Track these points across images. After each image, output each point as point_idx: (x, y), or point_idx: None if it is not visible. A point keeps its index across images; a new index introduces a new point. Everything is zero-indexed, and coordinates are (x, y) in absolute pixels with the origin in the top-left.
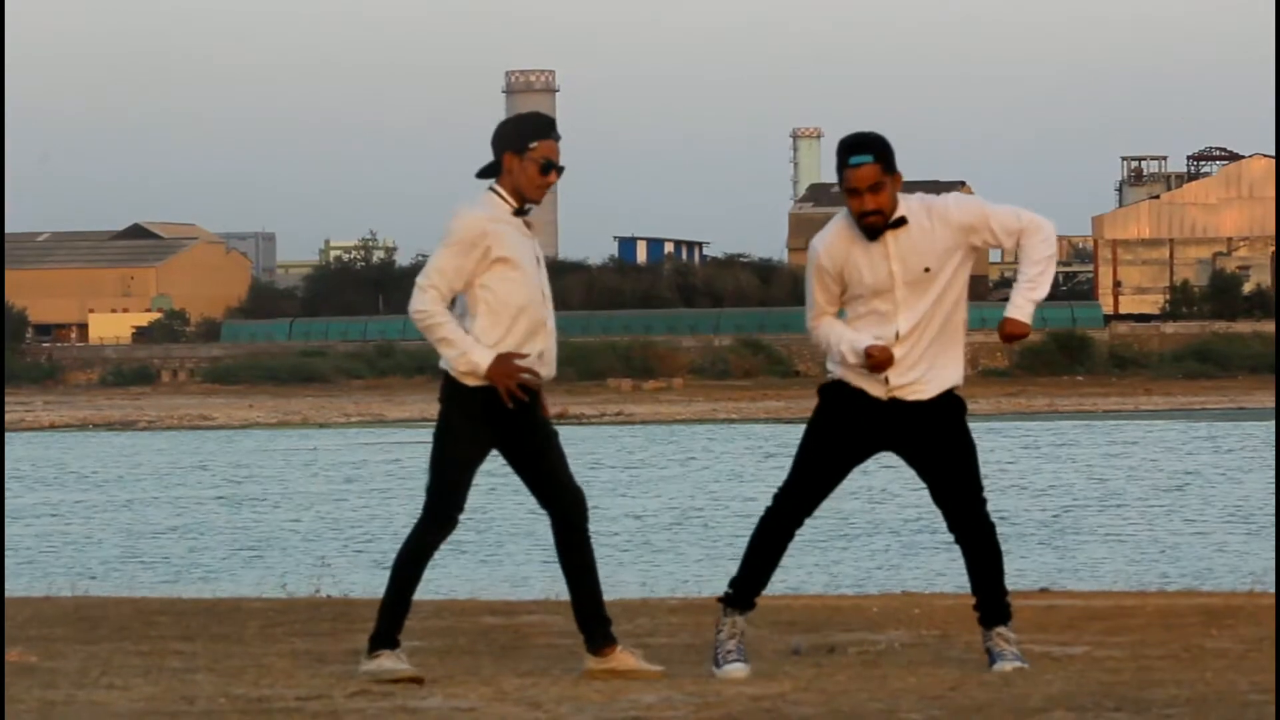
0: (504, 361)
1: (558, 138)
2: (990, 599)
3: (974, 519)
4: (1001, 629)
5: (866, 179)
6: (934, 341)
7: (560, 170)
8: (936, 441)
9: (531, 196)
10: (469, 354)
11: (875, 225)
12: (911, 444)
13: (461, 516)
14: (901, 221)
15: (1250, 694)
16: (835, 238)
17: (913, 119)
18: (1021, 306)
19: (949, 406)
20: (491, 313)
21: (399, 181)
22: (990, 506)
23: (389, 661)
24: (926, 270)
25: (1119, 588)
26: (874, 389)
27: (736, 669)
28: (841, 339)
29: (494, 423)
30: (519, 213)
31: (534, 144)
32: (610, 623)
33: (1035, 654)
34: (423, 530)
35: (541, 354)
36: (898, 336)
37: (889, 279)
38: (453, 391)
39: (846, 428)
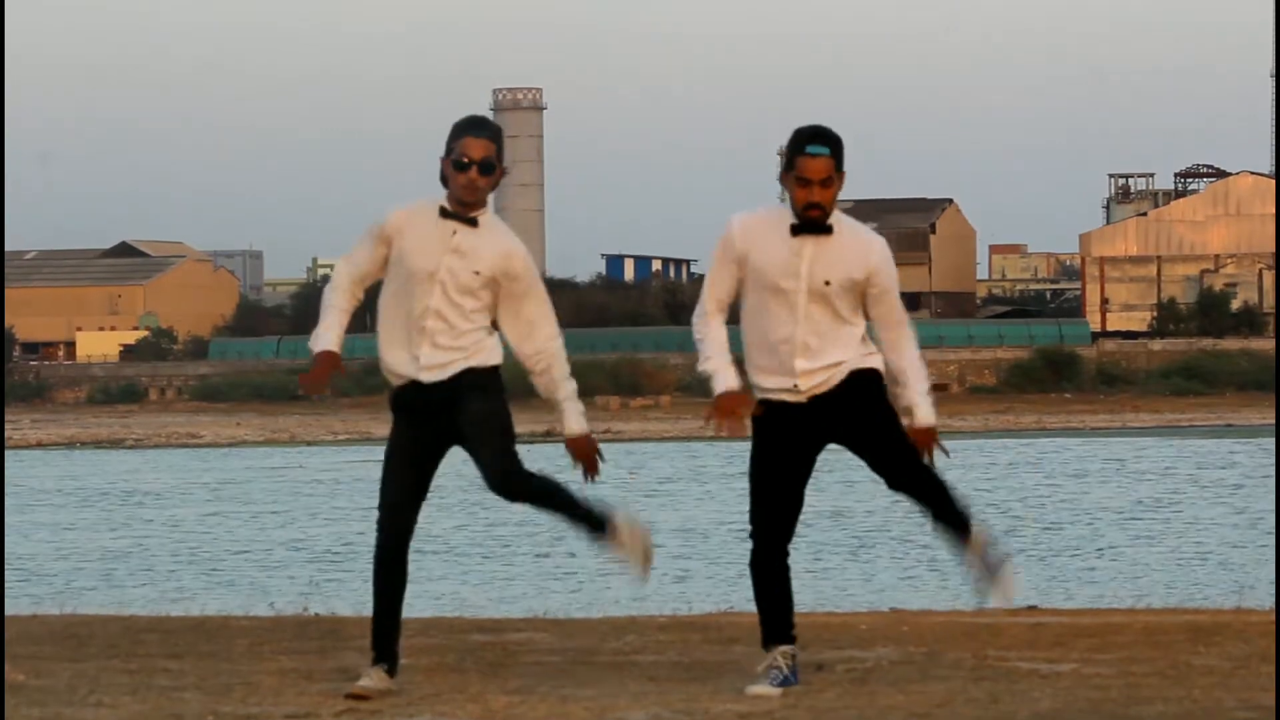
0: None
1: (485, 135)
2: (956, 519)
3: (912, 467)
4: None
5: (820, 171)
6: (834, 346)
7: (483, 166)
8: (860, 415)
9: (457, 195)
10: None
11: (817, 219)
12: (840, 427)
13: (400, 517)
14: (828, 230)
15: (1237, 711)
16: (756, 219)
17: (900, 135)
18: (926, 407)
19: (863, 382)
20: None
21: (386, 199)
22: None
23: (363, 679)
24: (827, 283)
25: (1107, 605)
26: (791, 396)
27: (764, 689)
28: (716, 369)
29: (415, 421)
30: (449, 214)
31: (454, 144)
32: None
33: (1023, 671)
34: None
35: (417, 358)
36: (796, 338)
37: (795, 279)
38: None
39: (783, 442)
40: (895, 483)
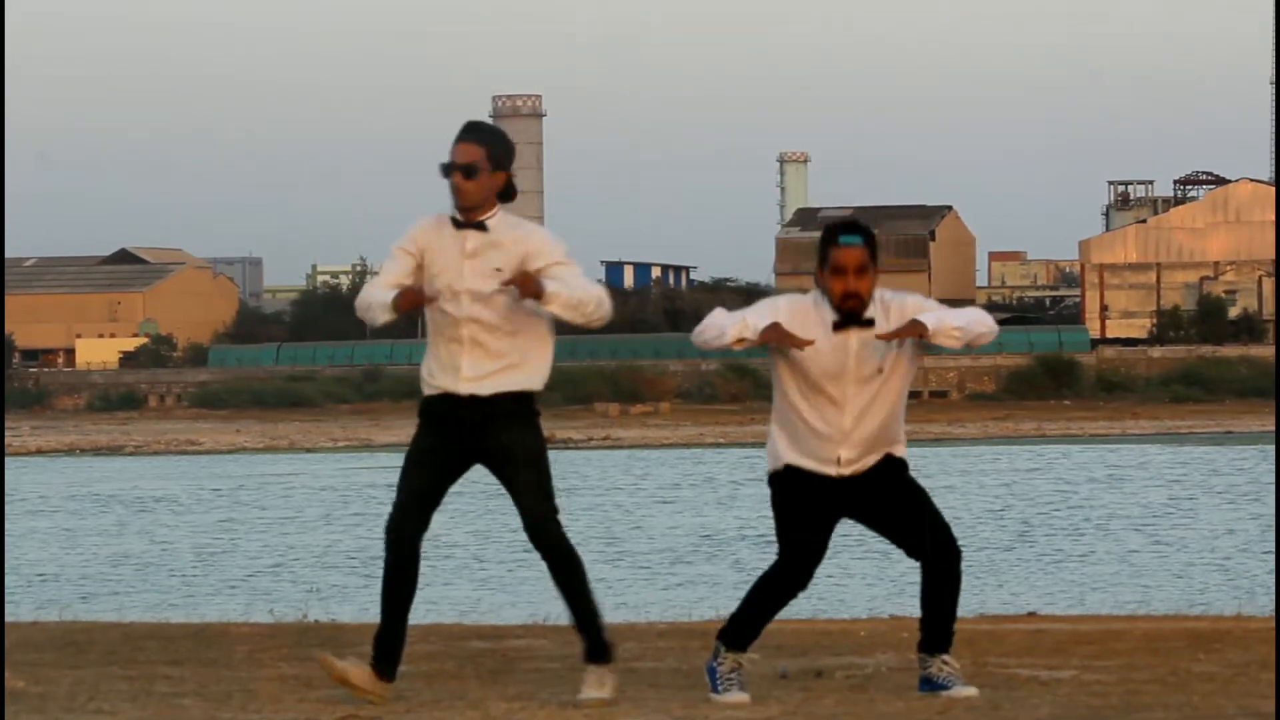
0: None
1: (471, 139)
2: (941, 624)
3: (943, 540)
4: (946, 656)
5: (855, 259)
6: (881, 429)
7: (464, 170)
8: (886, 496)
9: (453, 201)
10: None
11: (855, 310)
12: (864, 508)
13: (409, 527)
14: (869, 323)
15: (1237, 718)
16: (800, 310)
17: (900, 143)
18: (938, 318)
19: (891, 465)
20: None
21: (386, 206)
22: (980, 530)
23: (348, 661)
24: (879, 370)
25: (1106, 611)
26: (827, 469)
27: (737, 695)
28: (744, 318)
29: (448, 435)
30: (461, 224)
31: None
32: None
33: (1023, 678)
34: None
35: (459, 368)
36: (844, 431)
37: (843, 372)
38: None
39: (811, 507)
40: (923, 547)
